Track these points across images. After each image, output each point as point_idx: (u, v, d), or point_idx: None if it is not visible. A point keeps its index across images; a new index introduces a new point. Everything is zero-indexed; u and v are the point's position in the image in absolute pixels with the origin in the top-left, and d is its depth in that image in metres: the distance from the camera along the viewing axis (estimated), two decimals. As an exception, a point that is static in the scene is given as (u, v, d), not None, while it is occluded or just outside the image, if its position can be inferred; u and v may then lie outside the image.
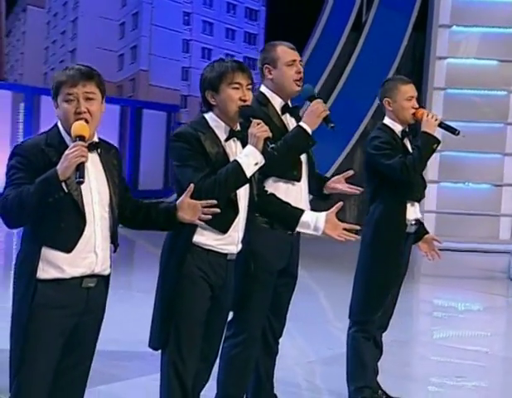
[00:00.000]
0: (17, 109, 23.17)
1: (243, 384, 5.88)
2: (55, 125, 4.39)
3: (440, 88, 19.87)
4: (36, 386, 4.46)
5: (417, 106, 6.58)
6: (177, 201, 4.63)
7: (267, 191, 5.41)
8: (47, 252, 4.32)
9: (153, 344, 5.09)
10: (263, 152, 4.90)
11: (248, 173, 4.85)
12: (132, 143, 27.18)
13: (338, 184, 5.93)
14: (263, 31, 30.48)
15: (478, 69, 19.78)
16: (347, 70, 19.97)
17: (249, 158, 4.85)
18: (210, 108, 5.00)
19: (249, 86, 4.98)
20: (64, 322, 4.39)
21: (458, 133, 6.60)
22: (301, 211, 5.41)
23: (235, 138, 5.01)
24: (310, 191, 5.94)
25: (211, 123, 4.98)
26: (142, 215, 4.73)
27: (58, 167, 4.10)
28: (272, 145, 4.94)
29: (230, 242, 5.05)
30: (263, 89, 5.80)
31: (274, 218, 5.51)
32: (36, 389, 4.46)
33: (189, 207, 4.60)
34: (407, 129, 6.64)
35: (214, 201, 4.61)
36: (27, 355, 4.41)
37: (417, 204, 6.64)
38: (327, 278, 13.66)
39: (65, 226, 4.29)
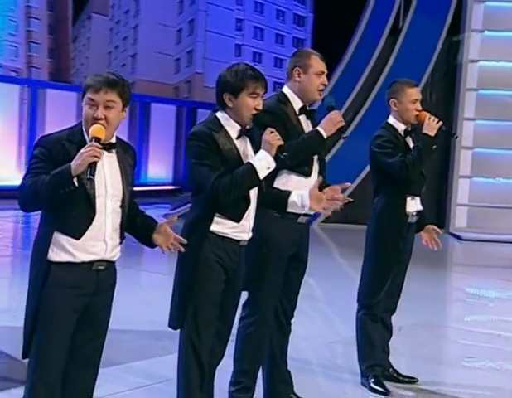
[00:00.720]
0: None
1: (258, 360, 5.98)
2: (80, 123, 4.49)
3: (472, 89, 19.78)
4: (51, 361, 4.56)
5: (420, 109, 6.69)
6: (158, 224, 4.74)
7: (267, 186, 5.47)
8: (59, 237, 4.44)
9: (172, 324, 5.21)
10: (275, 158, 5.03)
11: (261, 176, 4.99)
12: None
13: (333, 190, 6.01)
14: (310, 36, 30.36)
15: (508, 71, 19.67)
16: (385, 72, 19.91)
17: (262, 162, 4.99)
18: (223, 107, 5.09)
19: (263, 87, 5.12)
20: (76, 301, 4.50)
21: (456, 137, 6.74)
22: (289, 193, 5.53)
23: (244, 136, 5.12)
24: None
25: (223, 122, 5.09)
26: (131, 219, 4.80)
27: (72, 163, 4.22)
28: (285, 153, 5.07)
29: (243, 230, 5.17)
30: (285, 89, 5.93)
31: (267, 203, 5.57)
32: (50, 360, 4.55)
33: (164, 233, 4.70)
34: (409, 128, 6.72)
35: (184, 241, 4.73)
36: (42, 330, 4.52)
37: (417, 197, 6.77)
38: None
39: (76, 215, 4.40)
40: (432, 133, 6.52)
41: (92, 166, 4.24)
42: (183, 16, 28.30)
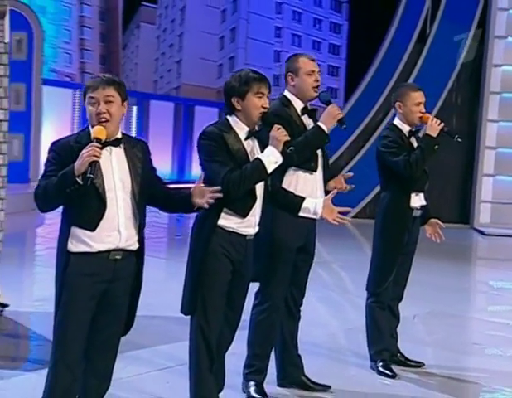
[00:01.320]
0: (130, 112, 23.62)
1: (269, 344, 6.07)
2: (87, 126, 4.61)
3: (495, 92, 19.67)
4: (73, 343, 4.66)
5: (424, 111, 6.73)
6: (191, 188, 4.77)
7: (275, 184, 5.53)
8: (76, 230, 4.55)
9: (184, 310, 5.28)
10: (282, 153, 5.10)
11: (269, 170, 5.06)
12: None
13: (337, 183, 6.10)
14: (345, 42, 30.49)
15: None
16: (412, 76, 19.87)
17: (270, 157, 5.06)
18: (232, 111, 5.17)
19: (267, 89, 5.17)
20: (94, 288, 4.59)
21: (457, 138, 6.76)
22: (303, 199, 5.56)
23: (253, 137, 5.19)
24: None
25: (233, 125, 5.17)
26: (169, 200, 4.88)
27: (75, 163, 4.34)
28: (291, 148, 5.20)
29: (249, 225, 5.23)
30: (286, 93, 6.03)
31: (281, 205, 5.66)
32: (73, 345, 4.66)
33: (200, 193, 4.73)
34: (413, 129, 6.77)
35: (219, 188, 4.77)
36: (64, 313, 4.62)
37: (421, 193, 6.82)
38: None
39: (89, 209, 4.51)
40: (435, 134, 6.56)
41: (93, 165, 4.34)
42: (225, 24, 28.49)
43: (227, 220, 5.16)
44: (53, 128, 20.69)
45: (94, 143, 4.37)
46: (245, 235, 5.25)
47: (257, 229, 5.35)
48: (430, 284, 11.32)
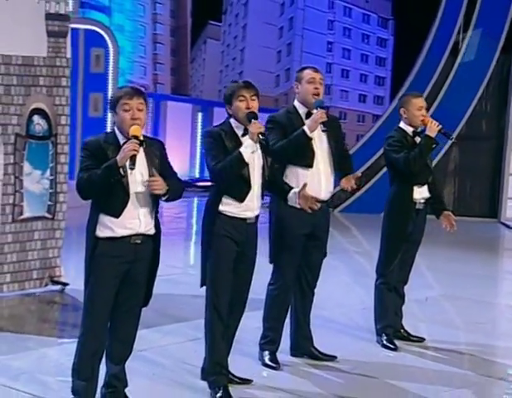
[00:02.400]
0: (196, 118, 23.87)
1: (281, 318, 6.24)
2: (113, 130, 4.87)
3: (522, 99, 19.56)
4: (100, 314, 4.89)
5: (425, 114, 6.84)
6: None
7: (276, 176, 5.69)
8: (103, 217, 4.78)
9: (200, 283, 5.50)
10: (261, 142, 5.33)
11: (246, 158, 5.24)
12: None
13: (346, 183, 6.23)
14: (390, 55, 30.37)
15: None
16: (446, 85, 19.81)
17: (248, 148, 5.24)
18: (230, 116, 5.42)
19: (253, 97, 5.37)
20: (118, 268, 4.81)
21: (452, 139, 6.95)
22: (289, 189, 5.67)
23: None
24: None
25: (233, 125, 5.39)
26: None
27: (117, 157, 4.59)
28: (263, 137, 5.31)
29: (247, 209, 5.40)
30: (295, 102, 6.22)
31: (276, 194, 5.88)
32: (100, 315, 4.89)
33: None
34: (418, 130, 6.88)
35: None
36: (92, 289, 4.86)
37: (424, 186, 6.89)
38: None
39: (115, 199, 4.74)
40: (433, 135, 6.69)
41: (133, 158, 4.61)
42: (282, 39, 28.58)
43: (228, 206, 5.35)
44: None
45: (134, 140, 4.63)
46: (245, 219, 5.42)
47: (256, 213, 5.50)
48: (451, 271, 11.35)
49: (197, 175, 25.67)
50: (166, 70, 25.99)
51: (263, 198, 5.55)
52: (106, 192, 4.73)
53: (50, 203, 8.21)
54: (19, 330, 6.96)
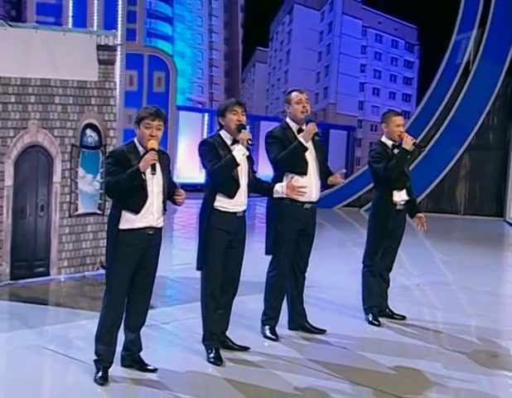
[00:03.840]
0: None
1: (279, 299, 6.40)
2: (133, 140, 5.15)
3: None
4: (119, 291, 5.16)
5: (402, 130, 6.96)
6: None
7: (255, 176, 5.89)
8: (125, 213, 5.06)
9: (196, 267, 5.70)
10: (248, 148, 5.55)
11: (238, 160, 5.46)
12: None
13: (335, 179, 6.39)
14: (416, 75, 30.16)
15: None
16: (458, 101, 19.77)
17: (239, 152, 5.47)
18: (222, 127, 5.63)
19: (243, 112, 5.58)
20: (135, 253, 5.09)
21: (423, 150, 7.07)
22: (275, 184, 5.91)
23: (237, 143, 5.56)
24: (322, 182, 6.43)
25: (223, 135, 5.62)
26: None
27: (140, 164, 4.91)
28: (251, 143, 5.53)
29: (236, 204, 5.62)
30: (287, 119, 6.36)
31: (260, 192, 6.02)
32: (119, 292, 5.16)
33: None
34: (396, 143, 6.99)
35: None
36: (113, 273, 5.13)
37: (403, 191, 6.99)
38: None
39: (136, 198, 5.02)
40: (408, 147, 6.81)
41: (153, 166, 4.93)
42: (321, 62, 28.61)
43: (220, 202, 5.57)
44: (186, 142, 21.42)
45: (153, 152, 4.93)
46: (235, 213, 5.64)
47: (244, 207, 5.71)
48: (453, 262, 11.27)
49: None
50: (221, 89, 26.16)
51: (248, 196, 5.76)
52: (129, 193, 5.03)
53: (100, 201, 8.40)
54: (74, 306, 7.22)
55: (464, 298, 8.69)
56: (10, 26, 7.92)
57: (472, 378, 5.65)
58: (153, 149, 5.00)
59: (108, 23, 18.02)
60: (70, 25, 17.58)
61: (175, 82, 20.26)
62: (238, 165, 5.52)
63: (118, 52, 17.87)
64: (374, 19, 30.93)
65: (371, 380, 5.46)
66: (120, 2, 18.35)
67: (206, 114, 23.38)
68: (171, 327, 6.55)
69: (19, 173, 7.87)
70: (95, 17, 17.76)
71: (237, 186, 5.59)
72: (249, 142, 5.52)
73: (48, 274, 8.21)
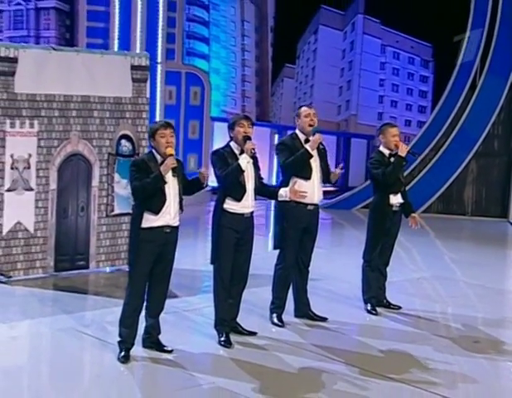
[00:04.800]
0: (273, 139, 24.16)
1: (285, 290, 6.51)
2: (151, 150, 5.34)
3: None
4: (141, 284, 5.35)
5: (397, 140, 7.02)
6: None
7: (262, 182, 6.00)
8: (146, 213, 5.22)
9: (210, 261, 5.84)
10: (253, 157, 5.67)
11: (243, 167, 5.57)
12: (344, 161, 27.46)
13: (335, 175, 6.47)
14: (431, 89, 30.01)
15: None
16: (465, 113, 19.64)
17: (243, 160, 5.60)
18: (231, 138, 5.76)
19: (250, 125, 5.70)
20: (154, 249, 5.25)
21: (417, 157, 7.17)
22: (279, 188, 6.01)
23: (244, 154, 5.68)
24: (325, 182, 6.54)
25: (232, 146, 5.75)
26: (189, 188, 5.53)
27: (161, 169, 5.10)
28: (254, 152, 5.66)
29: (244, 206, 5.74)
30: (296, 130, 6.48)
31: (267, 196, 6.19)
32: (141, 285, 5.35)
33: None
34: (393, 153, 7.06)
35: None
36: (135, 266, 5.30)
37: (398, 194, 7.03)
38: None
39: (156, 200, 5.19)
40: (403, 154, 6.87)
41: (174, 169, 5.15)
42: (343, 78, 28.65)
43: (229, 205, 5.71)
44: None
45: (171, 157, 5.14)
46: (243, 214, 5.76)
47: (251, 209, 5.81)
48: (456, 259, 11.12)
49: (274, 182, 25.87)
50: (252, 102, 26.33)
51: (255, 199, 5.87)
52: (152, 195, 5.21)
53: (133, 203, 8.61)
54: (111, 295, 7.34)
55: (459, 291, 8.66)
56: (54, 49, 8.14)
57: (453, 360, 5.76)
58: (171, 155, 5.20)
59: (150, 44, 18.27)
60: (115, 46, 17.82)
61: (209, 96, 20.43)
62: (243, 171, 5.64)
63: (159, 70, 18.25)
64: (392, 38, 30.86)
65: (363, 361, 5.57)
66: (160, 26, 18.52)
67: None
68: (190, 314, 6.68)
69: (62, 178, 8.02)
70: (138, 39, 17.99)
71: (244, 190, 5.72)
72: (253, 151, 5.66)
73: (87, 267, 8.33)
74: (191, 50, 23.76)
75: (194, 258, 9.64)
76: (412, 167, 19.00)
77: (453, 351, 6.01)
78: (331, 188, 21.77)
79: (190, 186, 5.52)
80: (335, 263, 9.99)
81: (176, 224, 5.35)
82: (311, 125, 6.37)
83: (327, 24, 29.39)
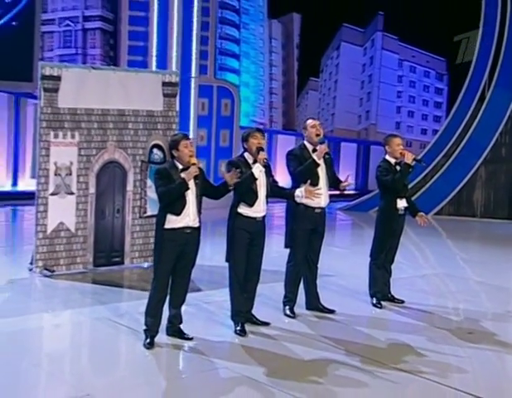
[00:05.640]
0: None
1: (296, 285, 6.59)
2: (173, 161, 5.43)
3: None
4: (164, 279, 5.45)
5: (402, 148, 7.00)
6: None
7: (278, 185, 6.07)
8: (169, 215, 5.32)
9: (225, 259, 5.94)
10: (265, 166, 5.75)
11: (256, 175, 5.66)
12: (364, 166, 27.50)
13: (345, 183, 6.51)
14: (445, 100, 29.88)
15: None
16: (475, 123, 19.59)
17: (256, 169, 5.68)
18: (245, 150, 5.84)
19: (262, 137, 5.78)
20: (176, 248, 5.36)
21: (422, 163, 7.15)
22: (295, 190, 6.06)
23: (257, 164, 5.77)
24: (333, 187, 6.57)
25: (246, 156, 5.82)
26: (215, 193, 5.63)
27: (184, 176, 5.21)
28: (266, 161, 5.75)
29: (256, 211, 5.82)
30: (304, 141, 6.52)
31: (283, 198, 6.24)
32: (164, 280, 5.45)
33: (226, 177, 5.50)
34: (398, 161, 7.06)
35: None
36: (159, 263, 5.42)
37: (403, 199, 7.05)
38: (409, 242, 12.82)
39: (178, 203, 5.30)
40: (409, 162, 6.85)
41: (196, 176, 5.26)
42: (363, 90, 28.68)
43: (242, 209, 5.80)
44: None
45: (194, 166, 5.26)
46: (255, 217, 5.84)
47: (263, 214, 5.88)
48: (462, 258, 11.03)
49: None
50: (279, 112, 26.46)
51: (267, 204, 5.96)
52: (176, 199, 5.35)
53: (160, 206, 8.72)
54: (143, 288, 7.24)
55: (459, 286, 8.64)
56: (93, 68, 8.35)
57: (448, 350, 5.78)
58: (194, 164, 5.33)
59: (185, 61, 18.50)
60: (154, 63, 18.09)
61: (238, 107, 20.56)
62: (256, 179, 5.73)
63: (193, 84, 18.45)
64: (409, 53, 30.82)
65: (364, 350, 5.63)
66: (194, 44, 18.73)
67: (266, 134, 23.49)
68: (210, 306, 6.79)
69: (100, 183, 8.18)
70: (174, 56, 18.22)
71: (256, 197, 5.80)
72: (265, 160, 5.77)
73: (122, 263, 8.47)
74: (223, 66, 24.01)
75: (220, 255, 9.74)
76: (425, 172, 19.06)
77: (448, 340, 6.05)
78: (353, 192, 21.98)
79: (217, 190, 5.61)
80: (350, 260, 10.05)
81: (196, 225, 5.44)
82: (317, 135, 6.42)
83: (348, 40, 29.42)
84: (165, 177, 5.34)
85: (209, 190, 5.58)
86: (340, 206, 19.17)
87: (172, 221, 5.33)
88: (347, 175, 6.60)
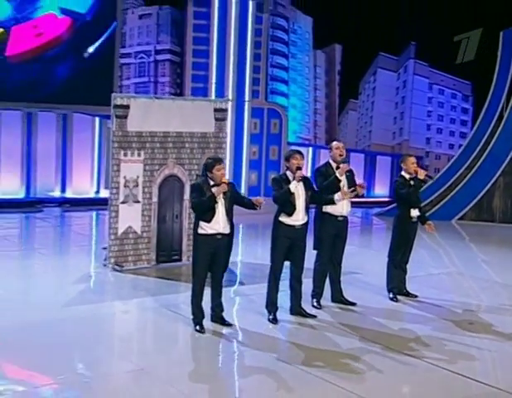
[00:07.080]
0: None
1: (322, 281, 6.69)
2: (206, 177, 5.55)
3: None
4: (201, 276, 5.62)
5: (416, 166, 7.01)
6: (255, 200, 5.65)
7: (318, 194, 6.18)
8: (202, 223, 5.48)
9: (270, 261, 6.05)
10: (304, 182, 5.85)
11: (292, 190, 5.77)
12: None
13: (359, 186, 6.46)
14: (470, 119, 29.27)
15: None
16: (494, 138, 19.29)
17: (292, 185, 5.77)
18: (287, 168, 5.96)
19: (301, 159, 5.88)
20: (209, 250, 5.52)
21: (432, 179, 7.12)
22: (332, 196, 6.17)
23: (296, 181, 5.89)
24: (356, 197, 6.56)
25: (287, 174, 5.93)
26: (246, 205, 5.74)
27: (214, 192, 5.35)
28: (301, 177, 5.85)
29: (295, 220, 5.92)
30: (329, 160, 6.63)
31: (324, 204, 6.32)
32: (201, 277, 5.62)
33: (256, 201, 5.63)
34: (412, 177, 7.07)
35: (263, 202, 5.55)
36: (196, 262, 5.59)
37: (416, 209, 7.08)
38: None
39: (208, 213, 5.45)
40: (422, 178, 6.93)
41: (225, 193, 5.41)
42: (397, 110, 28.40)
43: (283, 218, 5.93)
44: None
45: (224, 184, 5.42)
46: (294, 225, 5.94)
47: (302, 222, 5.93)
48: (472, 258, 10.74)
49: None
50: (322, 130, 26.45)
51: (307, 213, 6.01)
52: (207, 210, 5.47)
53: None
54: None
55: (468, 283, 8.55)
56: (156, 98, 8.64)
57: (450, 337, 5.83)
58: (224, 182, 5.48)
59: (240, 87, 18.89)
60: (213, 89, 18.49)
61: (286, 126, 20.73)
62: (292, 194, 5.84)
63: (246, 106, 18.75)
64: (438, 78, 30.33)
65: (377, 337, 5.73)
66: (248, 72, 19.11)
67: (310, 148, 23.81)
68: (251, 298, 6.92)
69: (161, 194, 8.38)
70: (230, 83, 18.59)
71: (294, 208, 5.89)
72: (300, 178, 5.85)
73: (180, 260, 8.56)
74: (274, 90, 24.25)
75: (266, 254, 9.88)
76: (449, 182, 18.86)
77: (452, 330, 6.10)
78: (386, 199, 21.86)
79: (245, 205, 5.74)
80: (376, 260, 9.95)
81: (226, 232, 5.56)
82: (340, 155, 6.55)
83: (384, 67, 29.31)
84: (197, 191, 5.49)
85: (239, 203, 5.70)
86: (375, 212, 19.08)
87: (205, 228, 5.48)
88: (360, 182, 6.54)
